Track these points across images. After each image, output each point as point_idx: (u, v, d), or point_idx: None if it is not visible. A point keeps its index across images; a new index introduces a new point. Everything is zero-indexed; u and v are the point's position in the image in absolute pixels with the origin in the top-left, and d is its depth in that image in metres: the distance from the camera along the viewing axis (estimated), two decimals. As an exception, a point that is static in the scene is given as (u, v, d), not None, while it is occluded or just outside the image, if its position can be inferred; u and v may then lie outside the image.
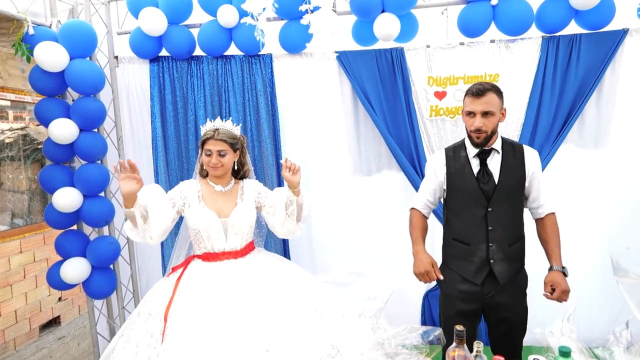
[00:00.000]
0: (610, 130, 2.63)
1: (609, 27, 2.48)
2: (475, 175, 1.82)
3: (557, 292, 1.77)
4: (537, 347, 1.49)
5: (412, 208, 2.03)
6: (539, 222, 1.93)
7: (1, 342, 2.84)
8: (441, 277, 1.83)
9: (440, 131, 2.70)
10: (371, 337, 1.56)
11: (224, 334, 1.61)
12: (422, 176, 2.67)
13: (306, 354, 1.59)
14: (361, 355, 1.54)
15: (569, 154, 2.65)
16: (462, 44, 2.63)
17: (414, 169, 2.69)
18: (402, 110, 2.68)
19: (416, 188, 2.67)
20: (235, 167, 2.00)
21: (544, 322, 1.41)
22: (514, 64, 2.60)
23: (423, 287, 2.85)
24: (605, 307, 2.69)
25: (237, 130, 1.99)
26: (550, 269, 1.84)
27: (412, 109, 2.68)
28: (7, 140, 2.96)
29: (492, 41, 2.60)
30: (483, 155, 1.82)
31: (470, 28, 2.50)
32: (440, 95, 2.66)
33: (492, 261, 1.80)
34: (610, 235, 2.65)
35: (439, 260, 1.96)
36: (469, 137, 1.84)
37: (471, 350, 1.30)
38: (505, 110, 1.85)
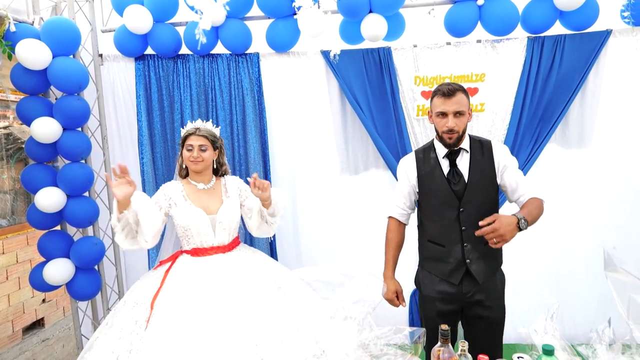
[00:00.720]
0: (594, 130, 2.67)
1: (592, 28, 2.51)
2: (446, 176, 1.82)
3: (492, 225, 1.53)
4: (521, 345, 1.49)
5: (390, 217, 2.01)
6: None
7: (-17, 345, 2.78)
8: (404, 305, 1.95)
9: (427, 130, 2.71)
10: (357, 338, 1.56)
11: (210, 323, 1.63)
12: None
13: (293, 351, 1.60)
14: (346, 355, 1.53)
15: (553, 153, 2.68)
16: (448, 43, 2.64)
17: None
18: (390, 109, 2.69)
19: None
20: (215, 166, 2.08)
21: (528, 321, 1.41)
22: (500, 63, 2.62)
23: (410, 286, 2.85)
24: (589, 305, 2.72)
25: (217, 131, 2.08)
26: (512, 215, 1.63)
27: (399, 109, 2.68)
28: (-11, 139, 2.89)
29: (479, 41, 2.62)
30: (452, 156, 1.82)
31: (457, 28, 2.51)
32: (427, 94, 2.67)
33: (468, 261, 1.80)
34: (594, 234, 2.68)
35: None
36: (440, 138, 1.83)
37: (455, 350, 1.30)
38: (471, 110, 1.87)
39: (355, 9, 2.40)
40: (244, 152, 2.76)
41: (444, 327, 1.31)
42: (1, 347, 2.81)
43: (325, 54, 2.68)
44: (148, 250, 2.82)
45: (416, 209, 2.01)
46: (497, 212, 1.88)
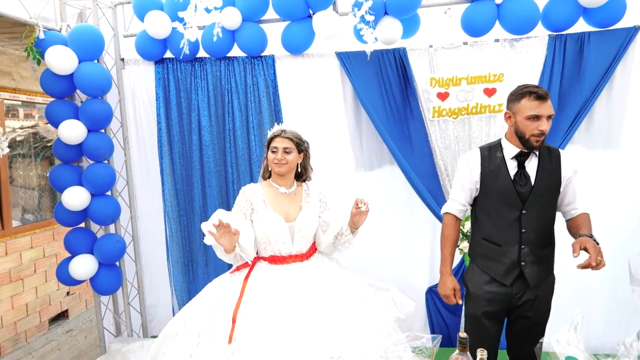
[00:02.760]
0: (622, 131, 2.55)
1: (619, 25, 2.40)
2: (512, 177, 1.81)
3: (593, 252, 1.58)
4: (543, 353, 1.45)
5: (447, 213, 1.98)
6: (572, 219, 1.90)
7: (13, 334, 2.95)
8: (460, 302, 1.90)
9: (443, 132, 2.67)
10: (375, 344, 1.56)
11: (291, 339, 1.61)
12: (418, 171, 2.65)
13: None
14: None
15: (576, 155, 2.57)
16: (465, 43, 2.58)
17: (413, 167, 2.67)
18: (405, 111, 2.66)
19: (413, 185, 2.65)
20: (298, 169, 2.01)
21: (550, 328, 1.37)
22: (519, 63, 2.54)
23: (426, 281, 2.82)
24: (614, 315, 2.60)
25: (302, 134, 2.01)
26: (580, 236, 1.70)
27: (414, 110, 2.65)
28: (18, 138, 3.07)
29: (497, 40, 2.55)
30: (522, 158, 1.81)
31: (474, 27, 2.46)
32: (442, 96, 2.62)
33: (523, 263, 1.80)
34: (620, 241, 2.55)
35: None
36: (526, 140, 1.77)
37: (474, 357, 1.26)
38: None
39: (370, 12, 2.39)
40: (260, 153, 2.79)
41: (463, 334, 1.28)
42: (29, 336, 2.97)
43: (340, 55, 2.68)
44: (167, 252, 2.90)
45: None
46: (555, 218, 1.89)
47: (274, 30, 2.69)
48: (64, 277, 2.75)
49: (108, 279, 2.80)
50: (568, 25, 2.42)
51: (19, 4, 2.34)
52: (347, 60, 2.66)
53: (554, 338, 1.31)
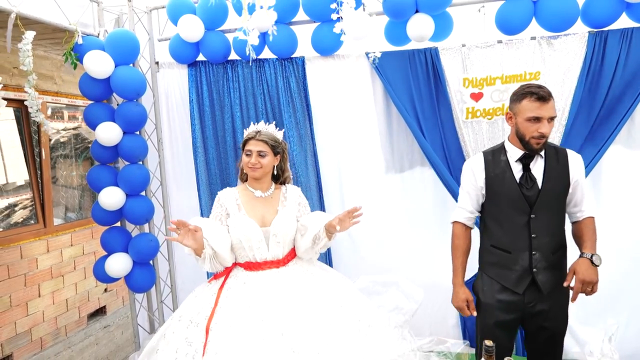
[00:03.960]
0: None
1: (665, 20, 2.29)
2: (518, 180, 1.76)
3: (577, 282, 1.65)
4: None
5: (455, 222, 1.93)
6: (577, 224, 1.86)
7: (54, 328, 3.09)
8: (474, 314, 1.84)
9: (476, 133, 2.61)
10: (396, 349, 1.55)
11: (265, 350, 1.59)
12: (453, 172, 2.61)
13: None
14: None
15: (616, 155, 2.48)
16: (500, 42, 2.52)
17: (448, 168, 2.63)
18: (436, 112, 2.62)
19: (447, 186, 2.61)
20: (275, 172, 1.96)
21: (582, 339, 1.33)
22: (557, 61, 2.46)
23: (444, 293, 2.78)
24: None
25: (279, 134, 1.95)
26: (580, 256, 1.73)
27: (446, 111, 2.61)
28: (61, 140, 3.20)
29: (533, 38, 2.47)
30: (526, 160, 1.76)
31: (510, 25, 2.40)
32: (476, 96, 2.57)
33: (534, 270, 1.74)
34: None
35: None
36: (523, 142, 1.74)
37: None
38: None
39: (401, 9, 2.37)
40: (298, 154, 2.79)
41: (489, 343, 1.27)
42: (69, 330, 3.09)
43: (370, 55, 2.66)
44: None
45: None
46: (565, 220, 1.84)
47: (303, 32, 2.70)
48: (101, 274, 2.85)
49: (142, 277, 2.88)
50: (610, 22, 2.32)
51: (60, 11, 2.43)
52: (378, 60, 2.64)
53: (587, 348, 1.27)
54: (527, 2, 2.33)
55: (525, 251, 1.74)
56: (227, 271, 1.89)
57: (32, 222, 3.18)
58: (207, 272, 2.90)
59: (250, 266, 1.86)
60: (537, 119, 1.68)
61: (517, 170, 1.77)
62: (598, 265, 1.67)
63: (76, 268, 3.15)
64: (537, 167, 1.76)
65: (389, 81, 2.64)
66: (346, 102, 2.78)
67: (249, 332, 1.63)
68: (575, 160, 1.80)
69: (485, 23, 2.47)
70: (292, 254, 1.93)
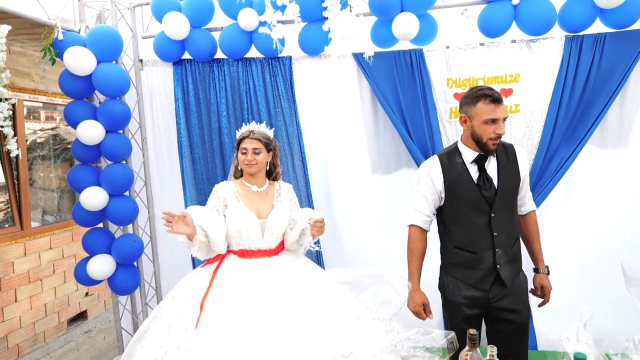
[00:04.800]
0: (632, 131, 2.57)
1: (635, 26, 2.41)
2: (476, 182, 1.78)
3: (547, 296, 1.93)
4: (551, 352, 1.47)
5: (412, 225, 1.92)
6: (521, 219, 1.97)
7: (32, 334, 2.97)
8: (431, 318, 1.87)
9: (459, 133, 2.68)
10: (385, 339, 1.58)
11: (255, 324, 1.69)
12: None
13: (326, 349, 1.65)
14: (374, 356, 1.56)
15: (589, 154, 2.60)
16: (482, 44, 2.60)
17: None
18: (421, 111, 2.68)
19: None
20: (268, 168, 2.10)
21: (556, 323, 1.39)
22: (536, 64, 2.56)
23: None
24: (623, 312, 2.61)
25: (270, 133, 2.10)
26: (537, 270, 1.97)
27: (431, 111, 2.67)
28: (38, 140, 3.09)
29: (513, 41, 2.57)
30: (481, 161, 1.79)
31: (491, 28, 2.48)
32: (459, 96, 2.63)
33: (498, 266, 1.79)
34: (633, 237, 2.57)
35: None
36: (483, 144, 1.76)
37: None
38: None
39: (387, 8, 2.41)
40: (281, 154, 2.80)
41: (472, 331, 1.30)
42: (48, 336, 2.99)
43: (357, 56, 2.70)
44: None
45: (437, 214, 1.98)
46: (517, 214, 1.94)
47: (291, 31, 2.70)
48: (82, 277, 2.78)
49: (126, 278, 2.82)
50: (585, 26, 2.43)
51: (38, 5, 2.35)
52: (364, 60, 2.68)
53: (564, 335, 1.33)
54: (508, 6, 2.42)
55: (489, 250, 1.78)
56: (221, 257, 2.00)
57: (8, 225, 3.06)
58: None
59: (244, 254, 1.98)
60: (494, 121, 1.71)
61: (474, 172, 1.79)
62: (549, 274, 1.97)
63: (55, 272, 3.05)
64: (491, 167, 1.79)
65: (376, 82, 2.69)
66: (333, 103, 2.80)
67: (241, 309, 1.73)
68: (522, 155, 1.86)
69: (468, 26, 2.54)
70: (282, 246, 2.08)
